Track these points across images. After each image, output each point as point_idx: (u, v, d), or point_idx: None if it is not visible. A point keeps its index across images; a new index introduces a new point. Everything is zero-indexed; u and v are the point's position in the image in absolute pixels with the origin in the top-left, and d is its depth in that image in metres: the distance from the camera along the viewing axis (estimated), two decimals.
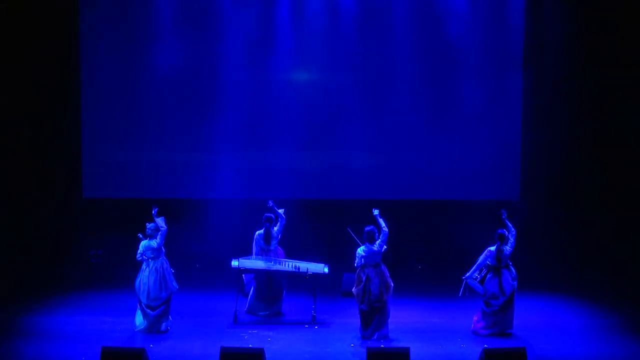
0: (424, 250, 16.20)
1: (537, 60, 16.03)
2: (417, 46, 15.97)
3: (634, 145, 15.84)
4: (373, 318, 11.92)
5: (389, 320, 12.03)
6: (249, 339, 11.87)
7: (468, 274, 12.24)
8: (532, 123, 16.14)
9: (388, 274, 12.00)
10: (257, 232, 13.10)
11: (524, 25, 15.91)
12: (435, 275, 15.49)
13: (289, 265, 12.77)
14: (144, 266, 12.18)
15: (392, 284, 12.01)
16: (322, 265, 12.80)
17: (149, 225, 12.21)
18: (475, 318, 12.30)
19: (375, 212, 12.11)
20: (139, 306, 12.18)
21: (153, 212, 12.23)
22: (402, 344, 11.30)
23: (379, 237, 11.96)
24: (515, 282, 12.14)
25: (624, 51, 15.61)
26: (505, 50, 16.01)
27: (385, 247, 11.98)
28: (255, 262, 12.84)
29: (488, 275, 12.19)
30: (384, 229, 12.00)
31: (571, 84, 15.89)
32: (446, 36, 15.95)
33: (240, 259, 12.80)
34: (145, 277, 12.11)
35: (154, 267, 12.12)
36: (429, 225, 16.14)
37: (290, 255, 13.26)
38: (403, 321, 12.66)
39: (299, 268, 12.71)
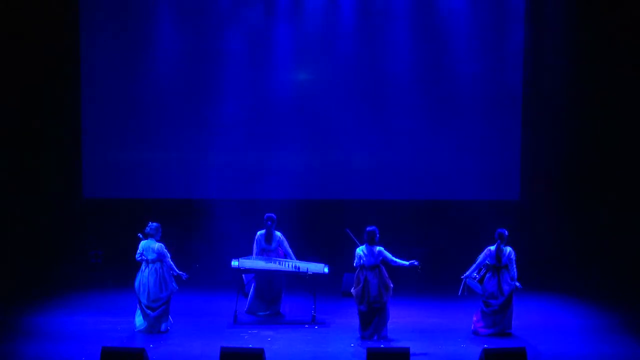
0: (424, 250, 16.18)
1: (537, 60, 16.02)
2: (417, 46, 15.96)
3: (633, 145, 15.84)
4: (372, 319, 11.92)
5: (389, 321, 12.02)
6: (249, 339, 11.87)
7: (467, 273, 12.24)
8: (532, 123, 16.14)
9: (387, 275, 11.99)
10: (258, 232, 13.11)
11: (523, 24, 15.90)
12: (435, 275, 15.47)
13: (289, 265, 12.77)
14: (143, 267, 12.18)
15: (392, 285, 12.00)
16: (322, 265, 12.80)
17: (150, 225, 12.21)
18: (475, 318, 12.30)
19: (416, 263, 12.01)
20: (138, 306, 12.17)
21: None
22: (402, 344, 11.30)
23: (379, 240, 11.96)
24: (514, 282, 12.13)
25: (623, 51, 15.61)
26: (506, 50, 16.00)
27: (380, 259, 11.96)
28: (255, 262, 12.84)
29: (487, 275, 12.19)
30: (397, 262, 11.96)
31: (571, 83, 15.88)
32: (446, 36, 15.94)
33: (240, 259, 12.79)
34: (145, 277, 12.11)
35: (153, 268, 12.11)
36: (429, 225, 16.14)
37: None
38: (403, 321, 12.66)
39: (299, 268, 12.70)
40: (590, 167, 16.05)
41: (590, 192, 16.01)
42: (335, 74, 16.12)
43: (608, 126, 15.92)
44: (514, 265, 12.14)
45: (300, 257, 13.14)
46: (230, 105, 15.99)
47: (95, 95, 16.10)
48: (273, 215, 13.04)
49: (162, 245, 12.19)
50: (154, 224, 12.22)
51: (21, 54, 15.66)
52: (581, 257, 15.73)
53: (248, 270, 12.85)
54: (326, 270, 12.75)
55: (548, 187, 16.15)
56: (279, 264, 12.80)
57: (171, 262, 12.17)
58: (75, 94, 16.08)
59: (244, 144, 16.12)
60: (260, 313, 13.05)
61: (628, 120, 15.80)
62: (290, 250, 13.07)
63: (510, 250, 12.16)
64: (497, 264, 12.13)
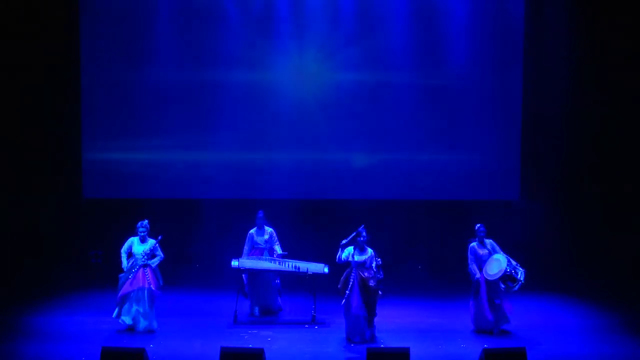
0: (424, 250, 16.19)
1: (537, 60, 16.02)
2: (417, 46, 15.95)
3: (633, 145, 15.84)
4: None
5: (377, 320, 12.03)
6: (249, 339, 11.88)
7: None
8: (532, 123, 16.14)
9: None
10: (250, 231, 13.17)
11: (524, 24, 15.90)
12: (435, 275, 15.50)
13: (289, 265, 12.77)
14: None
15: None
16: (322, 265, 12.81)
17: (141, 223, 12.30)
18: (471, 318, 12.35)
19: None
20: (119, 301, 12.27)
21: None
22: (402, 344, 11.29)
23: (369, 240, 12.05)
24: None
25: (623, 51, 15.61)
26: (506, 50, 15.99)
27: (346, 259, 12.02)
28: (255, 262, 12.84)
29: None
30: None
31: (571, 83, 15.89)
32: (447, 36, 15.94)
33: (240, 259, 12.81)
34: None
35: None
36: (429, 226, 16.14)
37: (290, 255, 13.26)
38: (403, 321, 12.67)
39: (299, 268, 12.71)
40: (590, 167, 16.05)
41: (590, 192, 16.01)
42: (334, 73, 16.10)
43: (608, 126, 15.92)
44: (500, 252, 12.23)
45: (300, 257, 13.14)
46: (230, 106, 15.98)
47: (95, 95, 16.09)
48: (260, 211, 13.12)
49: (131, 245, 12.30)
50: (144, 222, 12.34)
51: (21, 55, 15.65)
52: (581, 257, 15.72)
53: (248, 270, 12.86)
54: (326, 270, 12.77)
55: (548, 187, 16.15)
56: (279, 263, 12.81)
57: (126, 260, 12.25)
58: (75, 94, 16.07)
59: (244, 143, 16.11)
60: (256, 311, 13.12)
61: (628, 120, 15.80)
62: (276, 248, 13.06)
63: (490, 243, 12.26)
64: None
